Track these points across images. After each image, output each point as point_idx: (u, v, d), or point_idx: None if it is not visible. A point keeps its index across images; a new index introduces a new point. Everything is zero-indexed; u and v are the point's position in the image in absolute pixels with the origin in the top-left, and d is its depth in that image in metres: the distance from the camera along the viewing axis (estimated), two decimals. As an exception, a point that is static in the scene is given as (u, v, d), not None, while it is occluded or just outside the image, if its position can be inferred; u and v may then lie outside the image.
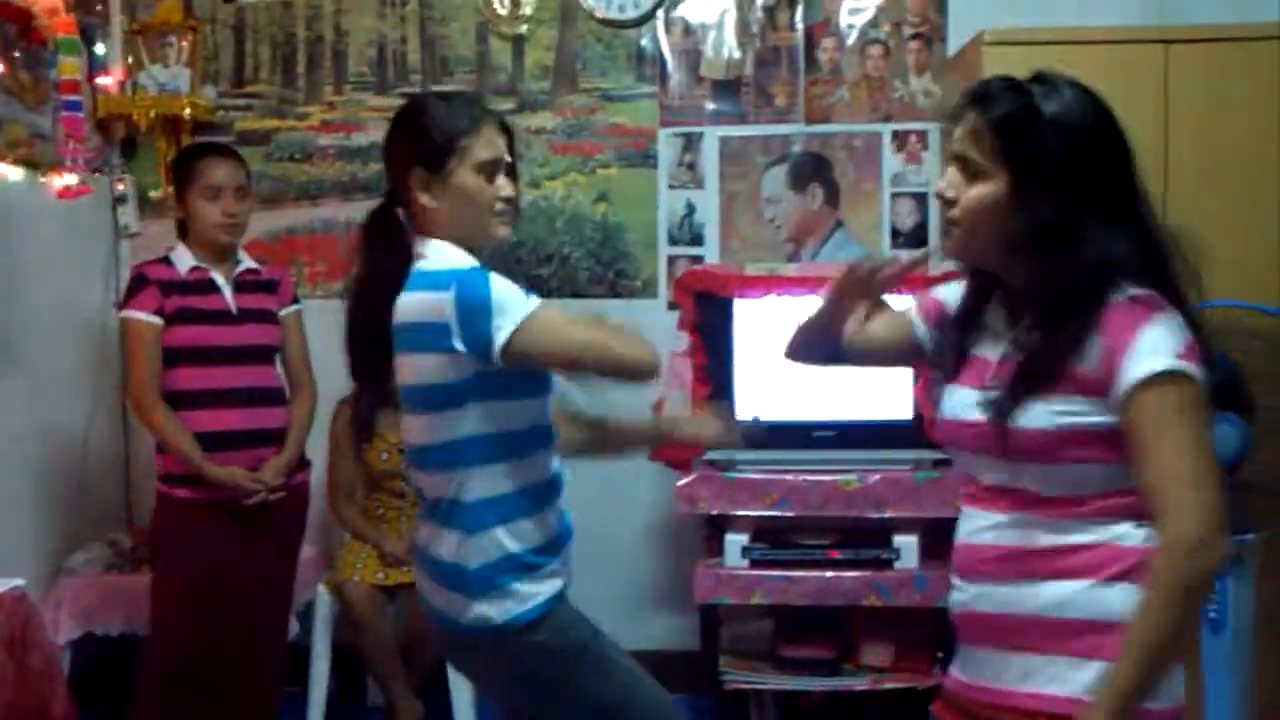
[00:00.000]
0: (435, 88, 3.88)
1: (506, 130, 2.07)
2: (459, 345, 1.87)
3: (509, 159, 2.05)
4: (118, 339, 3.23)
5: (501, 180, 2.03)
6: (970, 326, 1.68)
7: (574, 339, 1.92)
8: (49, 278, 3.57)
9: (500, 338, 1.85)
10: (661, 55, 3.91)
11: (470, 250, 2.00)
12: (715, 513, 3.36)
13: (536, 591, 1.96)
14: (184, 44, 3.85)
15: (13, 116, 3.39)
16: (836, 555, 3.26)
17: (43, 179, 3.48)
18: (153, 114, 3.80)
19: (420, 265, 1.97)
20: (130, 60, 3.83)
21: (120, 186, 3.93)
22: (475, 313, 1.86)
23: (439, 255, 1.97)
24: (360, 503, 3.64)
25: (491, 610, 1.94)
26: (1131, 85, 3.17)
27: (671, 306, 3.71)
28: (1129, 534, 1.51)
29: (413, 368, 1.96)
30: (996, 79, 1.58)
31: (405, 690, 3.46)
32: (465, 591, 1.96)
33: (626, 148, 3.93)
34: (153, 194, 3.92)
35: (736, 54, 3.88)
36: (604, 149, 3.93)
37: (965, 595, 1.61)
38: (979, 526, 1.60)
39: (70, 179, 3.44)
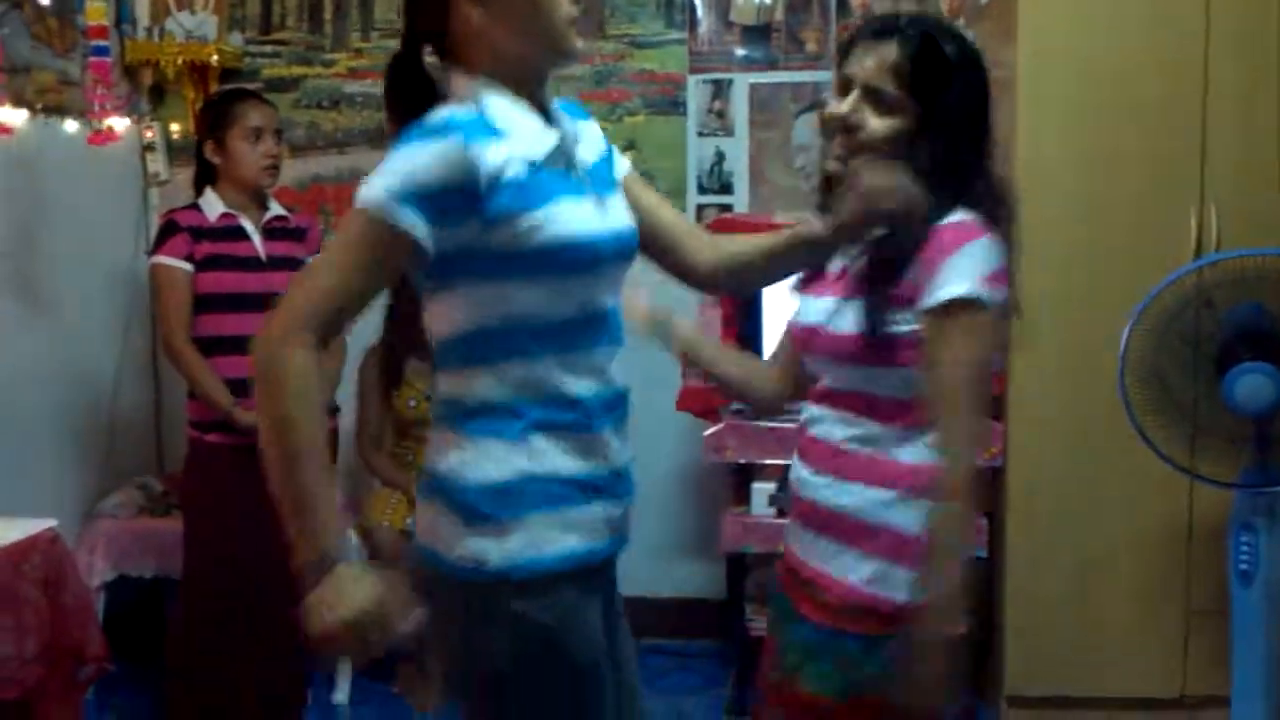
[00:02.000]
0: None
1: None
2: None
3: None
4: (148, 285, 3.25)
5: None
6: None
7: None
8: (78, 224, 3.58)
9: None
10: (691, 0, 3.86)
11: (519, 82, 1.52)
12: (742, 461, 3.36)
13: (556, 539, 1.51)
14: (211, -10, 3.84)
15: (41, 62, 3.40)
16: (863, 505, 3.26)
17: (72, 125, 3.49)
18: (180, 61, 3.79)
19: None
20: (157, 7, 3.82)
21: (149, 134, 3.94)
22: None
23: (459, 101, 1.49)
24: (389, 449, 3.67)
25: (489, 546, 1.49)
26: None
27: (699, 256, 3.68)
28: (919, 451, 1.62)
29: None
30: (903, 15, 1.71)
31: (433, 635, 3.48)
32: (461, 515, 1.51)
33: (655, 95, 3.90)
34: (180, 141, 3.94)
35: (767, -1, 3.83)
36: (632, 96, 3.90)
37: (798, 478, 1.76)
38: (813, 418, 1.75)
39: (99, 125, 3.45)
